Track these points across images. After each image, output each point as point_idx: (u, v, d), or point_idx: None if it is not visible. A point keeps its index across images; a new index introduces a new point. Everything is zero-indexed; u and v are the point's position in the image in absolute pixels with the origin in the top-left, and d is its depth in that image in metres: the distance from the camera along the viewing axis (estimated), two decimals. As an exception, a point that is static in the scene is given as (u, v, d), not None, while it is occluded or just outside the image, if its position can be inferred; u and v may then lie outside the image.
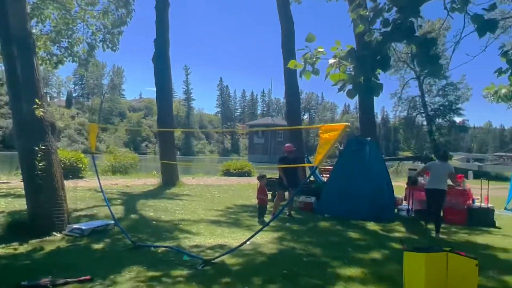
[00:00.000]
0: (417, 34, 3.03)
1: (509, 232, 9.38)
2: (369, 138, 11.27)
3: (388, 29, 3.19)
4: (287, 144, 10.73)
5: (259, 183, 10.23)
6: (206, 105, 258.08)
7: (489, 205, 10.59)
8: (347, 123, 4.56)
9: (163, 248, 6.52)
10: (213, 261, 5.78)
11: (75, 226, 7.45)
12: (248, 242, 6.60)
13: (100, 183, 7.94)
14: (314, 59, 4.38)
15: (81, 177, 18.44)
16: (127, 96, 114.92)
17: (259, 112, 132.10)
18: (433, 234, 8.89)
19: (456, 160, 79.11)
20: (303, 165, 12.02)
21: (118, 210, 10.14)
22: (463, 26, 3.76)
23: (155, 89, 17.26)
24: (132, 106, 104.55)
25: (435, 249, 4.70)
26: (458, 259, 4.53)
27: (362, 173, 10.51)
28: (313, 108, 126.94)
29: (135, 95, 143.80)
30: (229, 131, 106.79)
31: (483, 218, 10.18)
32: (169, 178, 16.24)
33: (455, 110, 52.83)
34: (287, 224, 9.13)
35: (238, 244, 6.83)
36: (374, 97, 16.64)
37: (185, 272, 5.38)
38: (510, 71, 4.89)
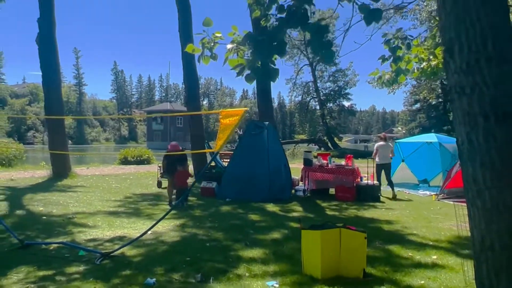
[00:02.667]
0: (310, 21, 3.16)
1: (391, 205, 10.37)
2: (267, 123, 11.57)
3: (284, 15, 3.28)
4: (173, 143, 10.58)
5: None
6: (100, 90, 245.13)
7: (375, 182, 11.58)
8: (246, 108, 4.62)
9: (56, 245, 6.08)
10: (112, 254, 5.53)
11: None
12: (149, 232, 6.45)
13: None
14: (212, 44, 4.35)
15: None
16: (8, 81, 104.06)
17: (157, 97, 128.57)
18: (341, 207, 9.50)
19: (346, 141, 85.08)
20: (204, 150, 12.00)
21: (1, 206, 9.24)
22: (352, 15, 4.02)
23: (40, 73, 15.84)
24: (15, 92, 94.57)
25: (329, 225, 5.02)
26: (349, 234, 4.89)
27: (261, 157, 10.80)
28: (212, 94, 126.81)
29: (17, 79, 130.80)
30: (125, 117, 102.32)
31: (370, 194, 11.10)
32: (60, 169, 15.12)
33: (344, 95, 56.80)
34: (189, 210, 9.08)
35: (138, 234, 6.66)
36: (271, 83, 17.12)
37: (81, 268, 5.08)
38: (392, 58, 5.36)
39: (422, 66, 5.95)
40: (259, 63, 3.25)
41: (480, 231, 3.02)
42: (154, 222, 6.08)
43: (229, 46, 4.44)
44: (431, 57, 5.85)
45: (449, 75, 3.14)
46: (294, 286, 4.53)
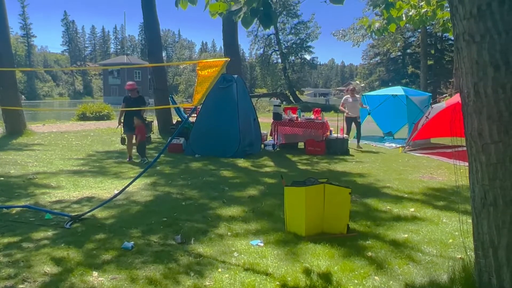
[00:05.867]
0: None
1: (361, 158, 10.45)
2: (236, 76, 11.16)
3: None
4: (129, 82, 9.86)
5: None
6: (50, 43, 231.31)
7: (344, 135, 11.58)
8: (227, 58, 4.26)
9: (19, 208, 5.64)
10: (82, 216, 5.19)
11: None
12: (117, 191, 6.12)
13: None
14: (190, -15, 3.91)
15: None
16: None
17: (112, 50, 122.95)
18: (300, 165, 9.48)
19: (306, 95, 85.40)
20: (175, 106, 11.50)
21: (-48, 168, 8.56)
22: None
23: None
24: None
25: (312, 181, 4.86)
26: (333, 190, 4.77)
27: (230, 111, 10.45)
28: (170, 46, 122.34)
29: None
30: (78, 69, 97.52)
31: (339, 148, 11.12)
32: (15, 126, 14.15)
33: (306, 48, 56.19)
34: (158, 168, 8.73)
35: (108, 194, 6.36)
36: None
37: (50, 233, 4.72)
38: (385, 4, 5.06)
39: (410, 14, 5.72)
40: (255, 5, 2.89)
41: (482, 186, 2.91)
42: (126, 183, 5.74)
43: (207, -12, 4.02)
44: (421, 3, 5.61)
45: (457, 21, 2.91)
46: (278, 244, 4.40)
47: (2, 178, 7.65)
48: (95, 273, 3.65)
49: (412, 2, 5.63)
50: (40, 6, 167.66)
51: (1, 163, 9.15)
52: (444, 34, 40.12)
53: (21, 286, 3.43)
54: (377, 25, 5.80)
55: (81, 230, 4.80)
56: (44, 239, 4.52)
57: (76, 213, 5.33)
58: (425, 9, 5.63)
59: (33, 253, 4.10)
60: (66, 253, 4.09)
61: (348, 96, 12.15)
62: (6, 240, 4.48)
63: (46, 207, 5.74)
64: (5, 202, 6.05)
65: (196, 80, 4.48)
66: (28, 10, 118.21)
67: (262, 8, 2.88)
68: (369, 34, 5.99)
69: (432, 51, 43.93)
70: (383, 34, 6.17)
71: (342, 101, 12.35)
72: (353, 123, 12.02)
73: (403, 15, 5.63)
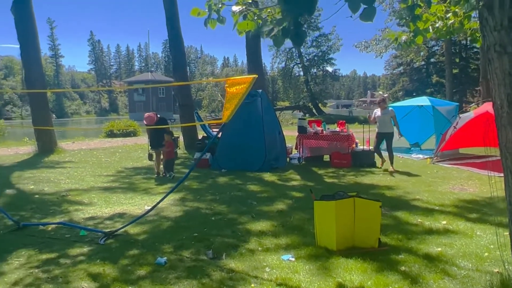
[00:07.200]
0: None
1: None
2: (260, 90, 11.25)
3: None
4: (148, 116, 9.77)
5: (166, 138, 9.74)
6: (77, 62, 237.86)
7: (370, 147, 11.48)
8: (255, 75, 4.34)
9: (54, 225, 5.81)
10: (115, 232, 5.30)
11: None
12: (147, 207, 6.25)
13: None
14: (219, 6, 4.02)
15: None
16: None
17: (136, 68, 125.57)
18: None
19: (328, 107, 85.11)
20: (202, 123, 11.67)
21: (-11, 186, 8.87)
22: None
23: (15, 45, 15.25)
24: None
25: (341, 195, 4.85)
26: (363, 203, 4.74)
27: (255, 125, 10.55)
28: (192, 62, 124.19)
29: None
30: (105, 89, 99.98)
31: (366, 160, 11.03)
32: (46, 145, 14.59)
33: (328, 60, 56.17)
34: (186, 183, 8.83)
35: (139, 210, 6.49)
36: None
37: (85, 249, 4.85)
38: (410, 17, 5.08)
39: (437, 25, 5.69)
40: (285, 24, 2.95)
41: (519, 199, 2.87)
42: (156, 198, 5.86)
43: (235, 8, 4.12)
44: (448, 15, 5.58)
45: (487, 33, 2.90)
46: (310, 259, 4.40)
47: (37, 196, 7.89)
48: (131, 289, 3.73)
49: (438, 14, 5.62)
50: (68, 27, 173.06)
51: (36, 180, 9.43)
52: (469, 43, 39.52)
53: (61, 301, 3.53)
54: (404, 37, 5.80)
55: (115, 246, 4.91)
56: (80, 255, 4.64)
57: (109, 229, 5.46)
58: (452, 20, 5.60)
59: (71, 269, 4.22)
60: (102, 269, 4.19)
61: (378, 109, 10.46)
62: (44, 256, 4.62)
63: (80, 224, 5.90)
64: (41, 219, 6.24)
65: (225, 96, 4.56)
66: (56, 31, 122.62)
67: (292, 28, 2.94)
68: (396, 46, 5.97)
69: (457, 60, 43.28)
70: (410, 47, 6.16)
71: (372, 114, 10.69)
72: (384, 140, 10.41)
73: (430, 27, 5.62)
